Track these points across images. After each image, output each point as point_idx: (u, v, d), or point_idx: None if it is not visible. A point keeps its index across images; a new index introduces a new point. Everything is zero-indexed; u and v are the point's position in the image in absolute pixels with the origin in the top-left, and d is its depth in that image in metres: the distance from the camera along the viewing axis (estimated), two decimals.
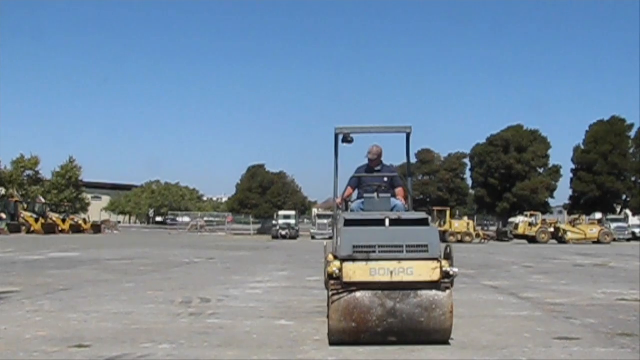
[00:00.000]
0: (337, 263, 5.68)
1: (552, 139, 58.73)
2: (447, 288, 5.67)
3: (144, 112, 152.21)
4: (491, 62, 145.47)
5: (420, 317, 5.60)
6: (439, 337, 5.74)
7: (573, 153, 58.66)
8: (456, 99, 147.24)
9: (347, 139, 6.95)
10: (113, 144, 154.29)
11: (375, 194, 6.65)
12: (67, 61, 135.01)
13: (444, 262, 5.69)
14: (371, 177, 7.08)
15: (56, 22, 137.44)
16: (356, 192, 7.26)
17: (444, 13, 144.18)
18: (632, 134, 56.97)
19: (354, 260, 5.62)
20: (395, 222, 5.84)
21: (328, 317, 5.82)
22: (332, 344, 5.76)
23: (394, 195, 6.97)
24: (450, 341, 5.91)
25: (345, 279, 5.58)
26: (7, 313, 7.45)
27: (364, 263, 5.61)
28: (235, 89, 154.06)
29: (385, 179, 7.07)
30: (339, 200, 7.11)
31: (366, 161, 7.30)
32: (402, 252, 5.64)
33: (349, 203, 7.12)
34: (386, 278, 5.57)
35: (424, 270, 5.60)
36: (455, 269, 5.75)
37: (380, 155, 7.27)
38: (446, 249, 5.96)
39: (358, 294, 5.60)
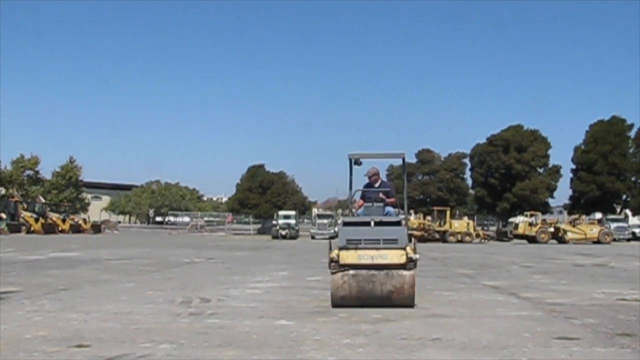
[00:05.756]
0: (336, 251, 8.05)
1: (552, 139, 58.52)
2: (411, 268, 7.97)
3: (144, 112, 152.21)
4: (491, 62, 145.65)
5: (391, 285, 7.90)
6: (405, 302, 7.98)
7: (573, 153, 58.55)
8: (456, 99, 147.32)
9: (358, 162, 9.13)
10: (113, 144, 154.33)
11: (372, 204, 8.91)
12: (67, 61, 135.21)
13: (409, 250, 7.98)
14: (371, 191, 9.29)
15: (56, 22, 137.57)
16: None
17: (444, 13, 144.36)
18: (632, 134, 56.82)
19: (347, 249, 8.01)
20: (378, 223, 8.19)
21: (330, 289, 8.10)
22: (333, 306, 8.00)
23: (388, 204, 9.08)
24: (450, 341, 5.96)
25: (341, 262, 7.97)
26: (7, 313, 7.45)
27: (353, 251, 7.98)
28: (235, 89, 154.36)
29: (381, 195, 9.15)
30: (357, 204, 9.46)
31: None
32: (380, 243, 8.00)
33: (354, 210, 9.49)
34: (369, 261, 7.92)
35: (395, 256, 7.93)
36: (417, 255, 8.10)
37: (377, 173, 9.44)
38: (410, 240, 8.44)
39: (350, 272, 7.94)
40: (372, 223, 8.14)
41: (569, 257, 22.85)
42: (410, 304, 8.00)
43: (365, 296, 7.91)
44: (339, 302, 8.00)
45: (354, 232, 8.10)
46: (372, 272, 7.90)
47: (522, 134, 57.23)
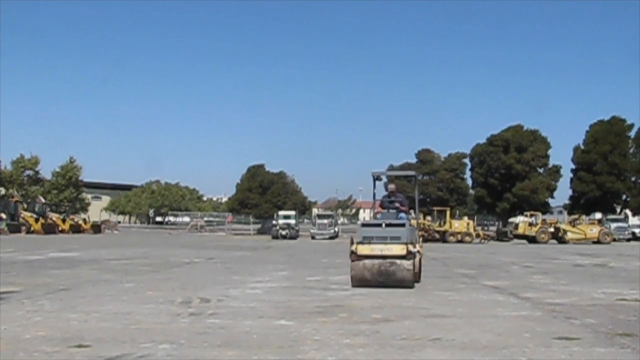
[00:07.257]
0: (355, 245, 10.67)
1: (552, 139, 58.31)
2: (411, 259, 10.50)
3: (144, 112, 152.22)
4: (491, 62, 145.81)
5: (394, 271, 10.45)
6: (405, 284, 10.46)
7: (573, 153, 58.42)
8: (456, 99, 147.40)
9: (379, 178, 12.67)
10: (113, 144, 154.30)
11: (387, 211, 12.02)
12: (67, 61, 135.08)
13: (409, 245, 10.54)
14: (387, 201, 12.30)
15: (56, 22, 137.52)
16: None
17: (444, 13, 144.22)
18: (632, 134, 56.64)
19: (363, 243, 10.71)
20: (387, 225, 10.97)
21: (350, 273, 10.78)
22: (353, 286, 10.57)
23: (401, 211, 11.95)
24: (450, 341, 5.96)
25: (358, 253, 10.63)
26: (7, 313, 7.45)
27: (368, 245, 10.66)
28: (235, 89, 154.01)
29: (397, 204, 12.05)
30: (375, 210, 12.62)
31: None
32: (387, 239, 10.70)
33: (376, 214, 12.37)
34: (379, 253, 10.54)
35: (398, 249, 10.49)
36: (415, 249, 10.88)
37: (394, 191, 12.39)
38: (418, 239, 11.79)
39: (365, 260, 10.57)
40: (383, 225, 10.99)
41: (569, 257, 22.85)
42: (409, 286, 10.51)
43: (376, 278, 10.50)
44: (356, 283, 10.65)
45: (369, 231, 11.02)
46: (381, 261, 10.46)
47: (522, 134, 57.13)
